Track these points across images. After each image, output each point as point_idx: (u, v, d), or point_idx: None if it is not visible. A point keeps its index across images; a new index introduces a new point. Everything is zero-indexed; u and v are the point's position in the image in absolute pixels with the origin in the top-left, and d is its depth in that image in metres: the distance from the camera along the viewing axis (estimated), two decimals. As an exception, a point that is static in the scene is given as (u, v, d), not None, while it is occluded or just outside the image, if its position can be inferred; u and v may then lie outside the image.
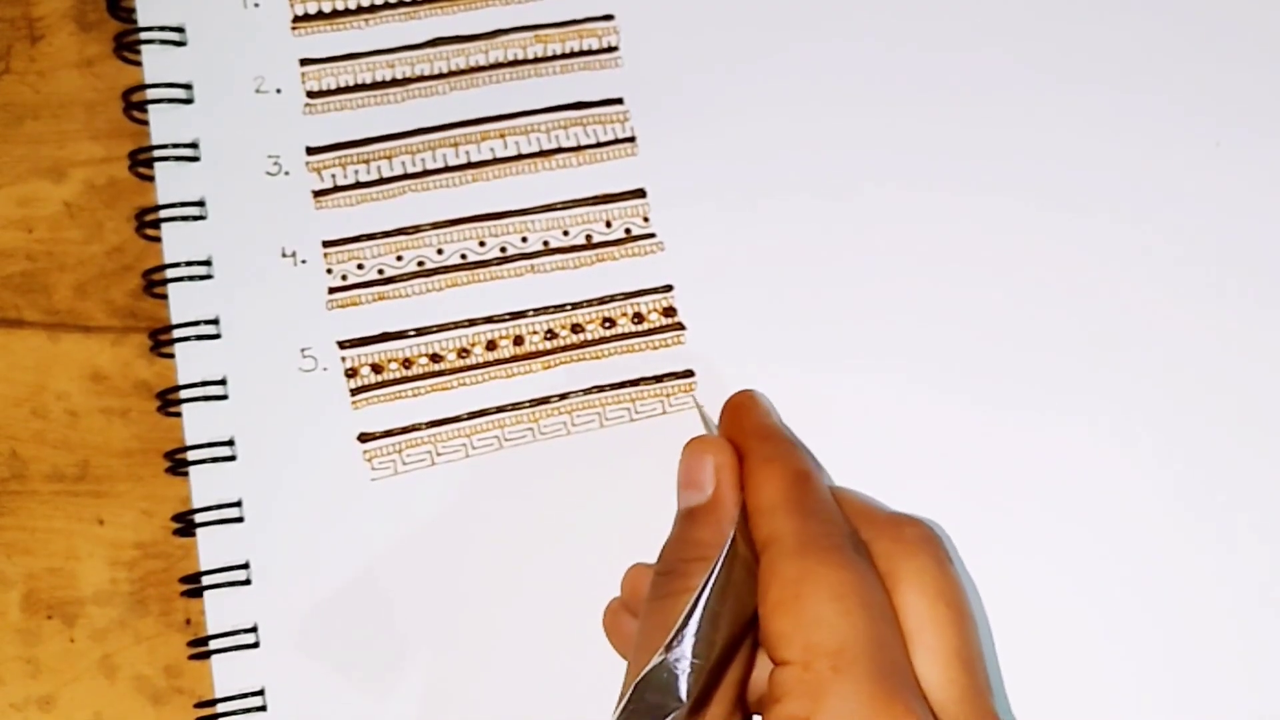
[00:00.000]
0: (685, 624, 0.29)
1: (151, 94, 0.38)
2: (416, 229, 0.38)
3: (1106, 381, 0.38)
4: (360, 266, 0.38)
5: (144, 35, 0.38)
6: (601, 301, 0.38)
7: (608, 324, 0.38)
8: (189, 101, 0.38)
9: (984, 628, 0.36)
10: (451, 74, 0.39)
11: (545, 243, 0.38)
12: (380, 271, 0.38)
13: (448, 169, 0.38)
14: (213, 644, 0.36)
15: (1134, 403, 0.38)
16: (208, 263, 0.38)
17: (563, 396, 0.37)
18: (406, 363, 0.37)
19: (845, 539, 0.31)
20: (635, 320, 0.38)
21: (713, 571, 0.30)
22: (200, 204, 0.38)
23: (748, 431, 0.34)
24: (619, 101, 0.39)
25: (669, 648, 0.29)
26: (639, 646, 0.31)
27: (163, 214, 0.38)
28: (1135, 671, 0.37)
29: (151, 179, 0.38)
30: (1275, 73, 0.40)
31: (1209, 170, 0.39)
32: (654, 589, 0.32)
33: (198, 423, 0.37)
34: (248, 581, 0.36)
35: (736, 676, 0.31)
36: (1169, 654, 0.37)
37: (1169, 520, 0.37)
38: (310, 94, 0.39)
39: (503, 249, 0.38)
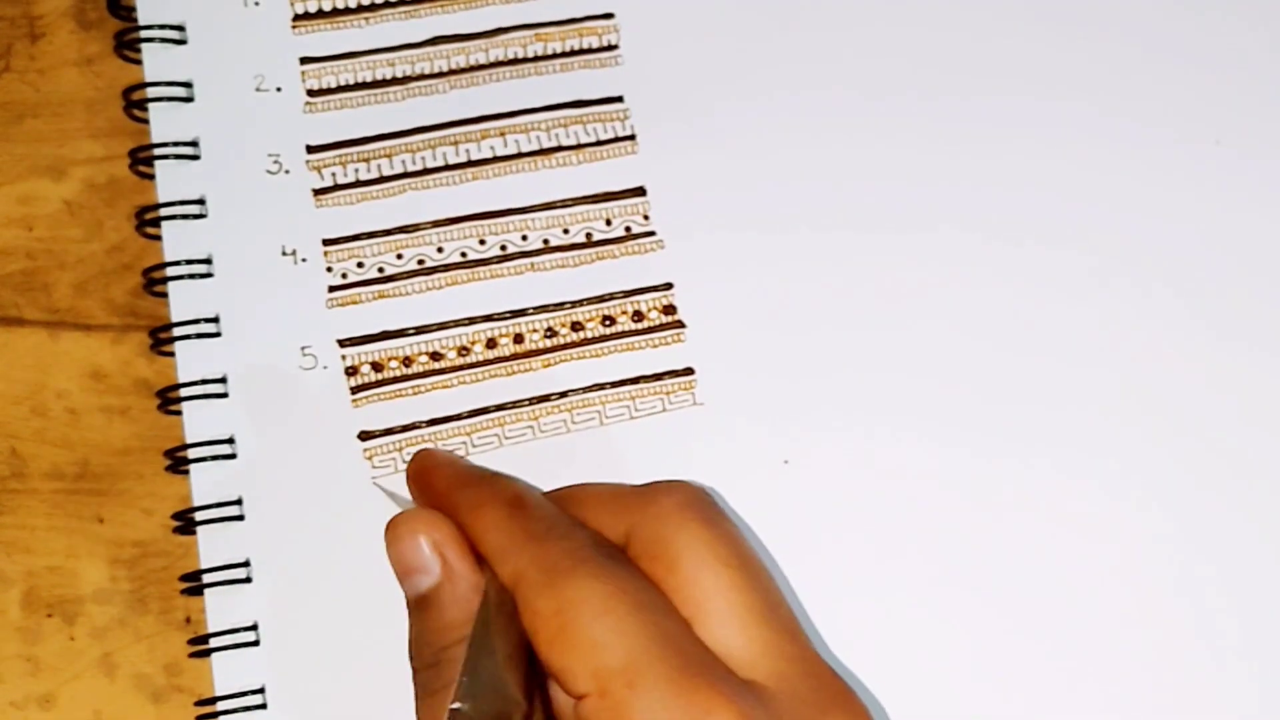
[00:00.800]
0: (462, 677, 0.29)
1: (152, 92, 0.38)
2: (416, 227, 0.38)
3: (1107, 381, 0.38)
4: (360, 265, 0.38)
5: (144, 34, 0.38)
6: (601, 299, 0.38)
7: (608, 322, 0.38)
8: (189, 100, 0.38)
9: (776, 571, 0.36)
10: (452, 72, 0.39)
11: (545, 241, 0.38)
12: (380, 270, 0.38)
13: (448, 167, 0.38)
14: (213, 642, 0.36)
15: (1134, 403, 0.38)
16: (208, 261, 0.38)
17: (563, 394, 0.37)
18: (407, 361, 0.37)
19: (587, 548, 0.30)
20: (635, 318, 0.38)
21: (476, 636, 0.29)
22: (200, 202, 0.38)
23: (440, 490, 0.33)
24: (619, 100, 0.39)
25: (454, 701, 0.28)
26: None
27: (163, 212, 0.38)
28: (1136, 683, 0.37)
29: (151, 177, 0.38)
30: (1276, 70, 0.40)
31: (1210, 169, 0.39)
32: (422, 689, 0.30)
33: (198, 421, 0.37)
34: (248, 580, 0.36)
35: None
36: (1172, 663, 0.37)
37: (1172, 527, 0.37)
38: (310, 92, 0.39)
39: (503, 247, 0.38)
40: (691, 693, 0.27)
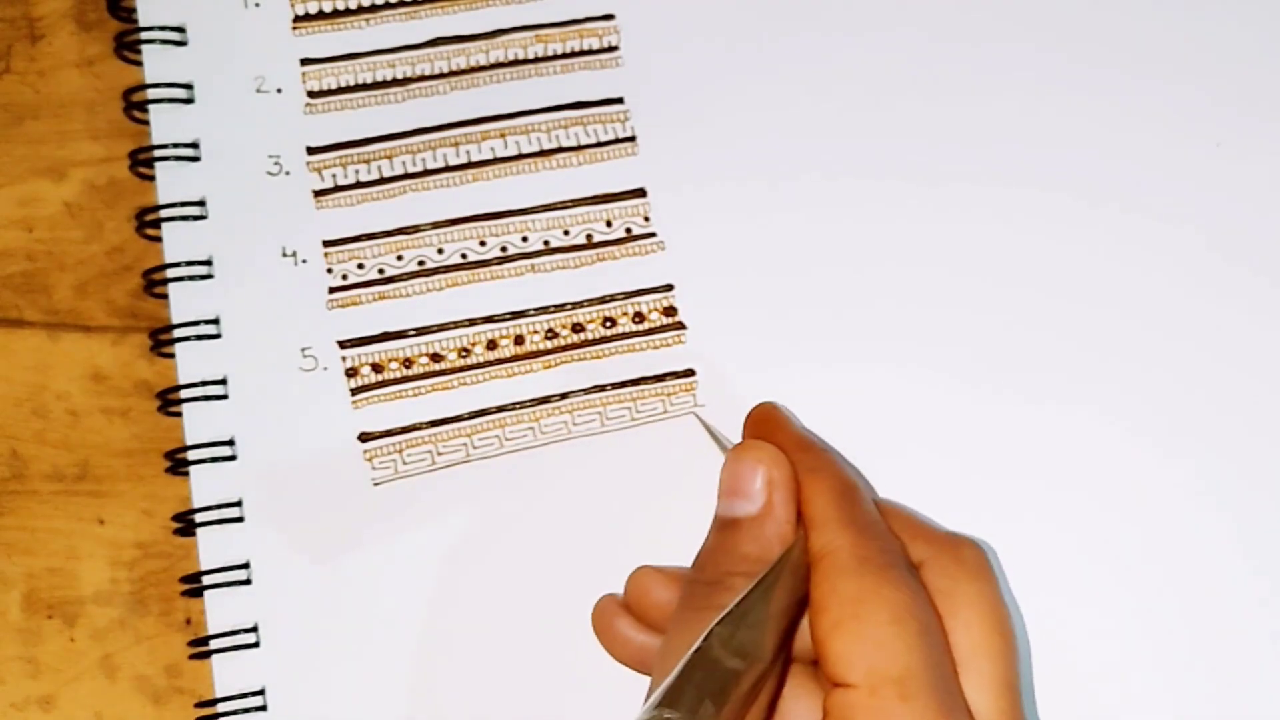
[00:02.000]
0: (737, 604, 0.29)
1: (152, 94, 0.38)
2: (417, 228, 0.38)
3: (1108, 381, 0.38)
4: (361, 266, 0.38)
5: (145, 35, 0.38)
6: (602, 301, 0.38)
7: (608, 323, 0.38)
8: (190, 101, 0.38)
9: (1024, 653, 0.36)
10: (452, 74, 0.39)
11: (546, 242, 0.38)
12: (381, 271, 0.38)
13: (448, 169, 0.38)
14: (213, 644, 0.36)
15: (1135, 403, 0.38)
16: (208, 262, 0.38)
17: (563, 396, 0.37)
18: (407, 362, 0.37)
19: (899, 557, 0.31)
20: (636, 320, 0.38)
21: (768, 571, 0.30)
22: (201, 204, 0.38)
23: (784, 442, 0.33)
24: (619, 101, 0.39)
25: (721, 621, 0.28)
26: (666, 654, 0.30)
27: (163, 214, 0.38)
28: (1155, 666, 0.37)
29: (151, 179, 0.38)
30: (1276, 71, 0.40)
31: (1210, 169, 0.39)
32: (690, 598, 0.31)
33: (198, 422, 0.37)
34: (248, 581, 0.36)
35: (772, 690, 0.30)
36: (1192, 650, 0.37)
37: (1185, 510, 0.37)
38: (311, 94, 0.39)
39: (503, 248, 0.38)
40: None
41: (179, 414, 0.37)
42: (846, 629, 0.29)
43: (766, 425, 0.34)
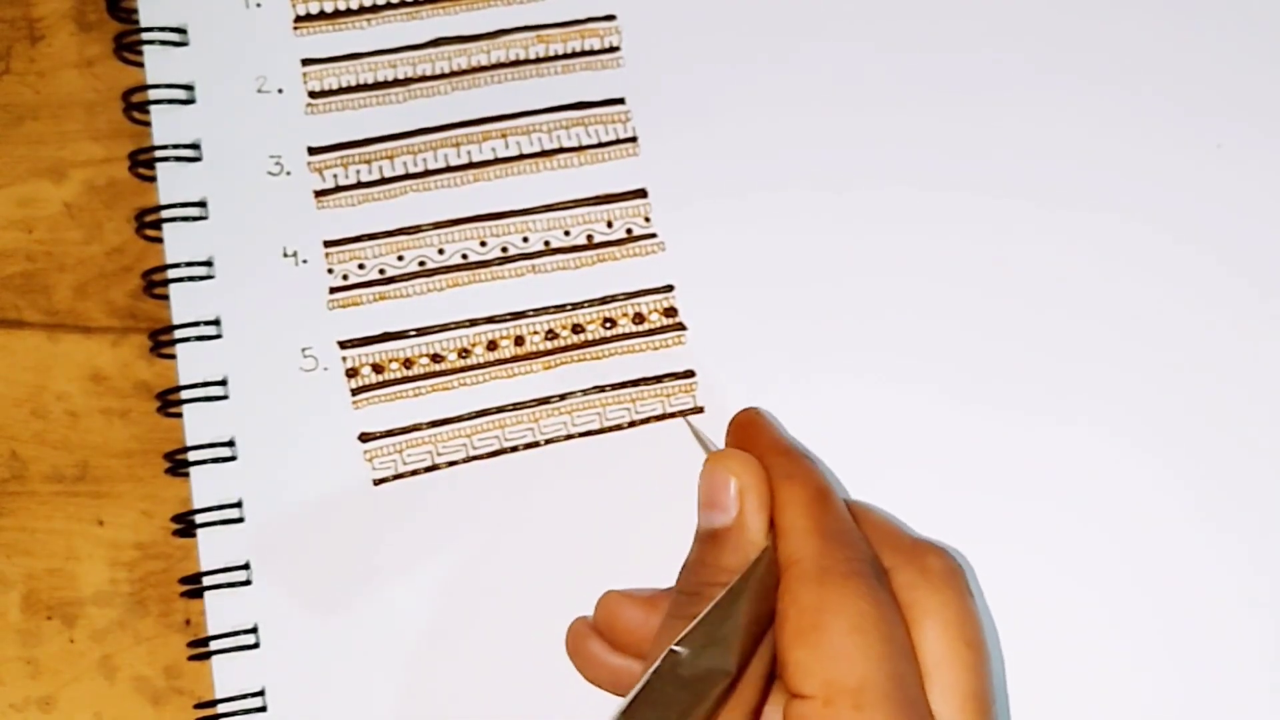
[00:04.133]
0: (698, 622, 0.29)
1: (153, 94, 0.38)
2: (418, 229, 0.38)
3: (1108, 382, 0.38)
4: (361, 266, 0.38)
5: (145, 35, 0.38)
6: (602, 301, 0.38)
7: (609, 324, 0.38)
8: (190, 102, 0.38)
9: (998, 665, 0.36)
10: (453, 74, 0.39)
11: (546, 243, 0.38)
12: (381, 271, 0.38)
13: (449, 169, 0.38)
14: (213, 644, 0.36)
15: (1136, 404, 0.38)
16: (209, 263, 0.38)
17: (563, 397, 0.37)
18: (407, 363, 0.37)
19: (866, 565, 0.30)
20: (636, 320, 0.38)
21: (733, 583, 0.30)
22: (202, 204, 0.38)
23: (762, 448, 0.33)
24: (620, 101, 0.39)
25: (682, 639, 0.29)
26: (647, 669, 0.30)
27: (164, 214, 0.38)
28: (1141, 675, 0.37)
29: (151, 179, 0.38)
30: (1277, 74, 0.40)
31: (1210, 172, 0.39)
32: (674, 608, 0.31)
33: (198, 423, 0.37)
34: (248, 582, 0.36)
35: (750, 701, 0.30)
36: (1176, 656, 0.37)
37: (1175, 520, 0.37)
38: (312, 94, 0.39)
39: (504, 249, 0.38)
40: None
41: (179, 415, 0.37)
42: (805, 639, 0.29)
43: (746, 431, 0.35)
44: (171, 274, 0.38)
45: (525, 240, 0.38)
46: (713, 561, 0.31)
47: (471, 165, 0.38)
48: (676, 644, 0.29)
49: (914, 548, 0.32)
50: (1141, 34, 0.40)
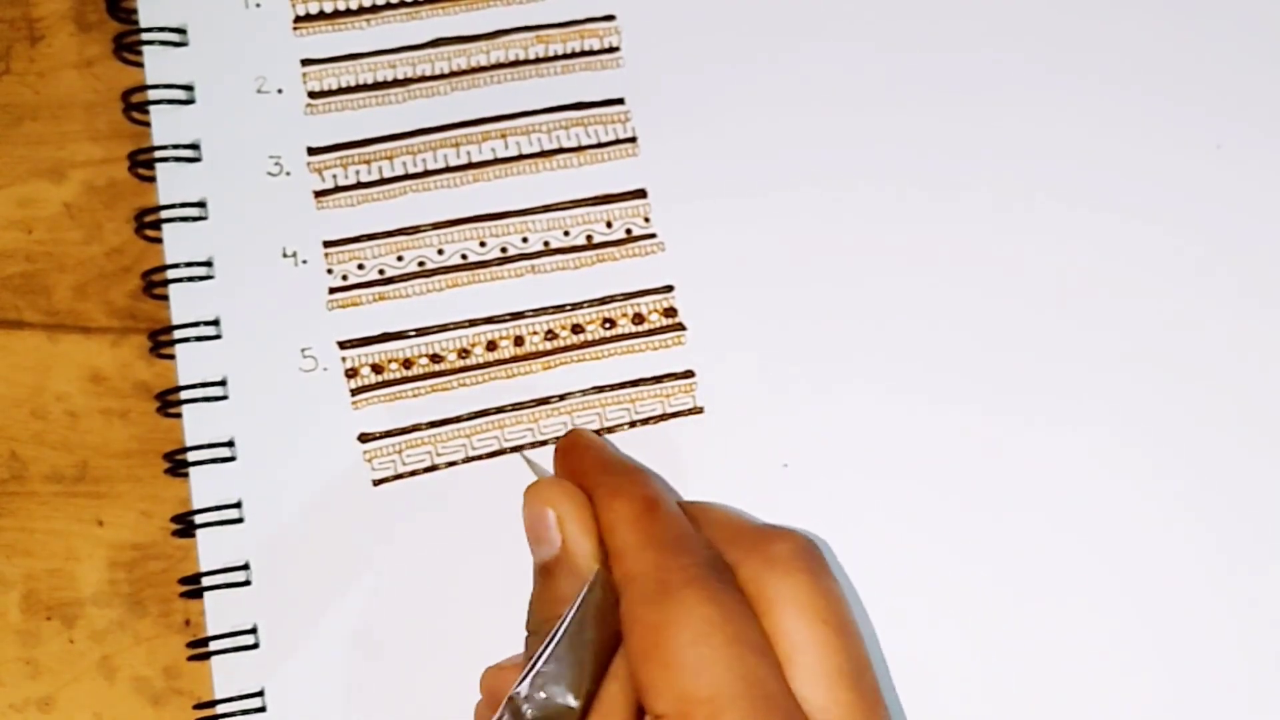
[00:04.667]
0: (534, 662, 0.29)
1: (153, 94, 0.38)
2: (417, 229, 0.38)
3: (1108, 383, 0.38)
4: (361, 267, 0.38)
5: (145, 35, 0.38)
6: (602, 302, 0.38)
7: (608, 324, 0.38)
8: (190, 102, 0.38)
9: (869, 636, 0.36)
10: (453, 74, 0.39)
11: (546, 243, 0.38)
12: (381, 272, 0.38)
13: (449, 169, 0.38)
14: (212, 645, 0.36)
15: (1136, 403, 0.38)
16: (208, 263, 0.38)
17: (563, 397, 0.37)
18: (407, 363, 0.37)
19: (704, 568, 0.30)
20: (636, 321, 0.38)
21: (566, 616, 0.29)
22: (201, 204, 0.38)
23: (586, 468, 0.33)
24: (620, 102, 0.39)
25: (520, 682, 0.28)
26: None
27: (164, 214, 0.38)
28: (1136, 680, 0.36)
29: (151, 180, 0.38)
30: (1276, 74, 0.40)
31: (1210, 172, 0.39)
32: (526, 651, 0.31)
33: (198, 423, 0.37)
34: (248, 582, 0.36)
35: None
36: (1168, 664, 0.36)
37: (1171, 526, 0.37)
38: (312, 94, 0.39)
39: (503, 249, 0.38)
40: None
41: (178, 415, 0.37)
42: (651, 657, 0.29)
43: (570, 455, 0.34)
44: (171, 274, 0.38)
45: (525, 240, 0.38)
46: (550, 595, 0.31)
47: (471, 165, 0.38)
48: (516, 686, 0.28)
49: (757, 536, 0.31)
50: (1141, 34, 0.40)
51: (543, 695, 0.29)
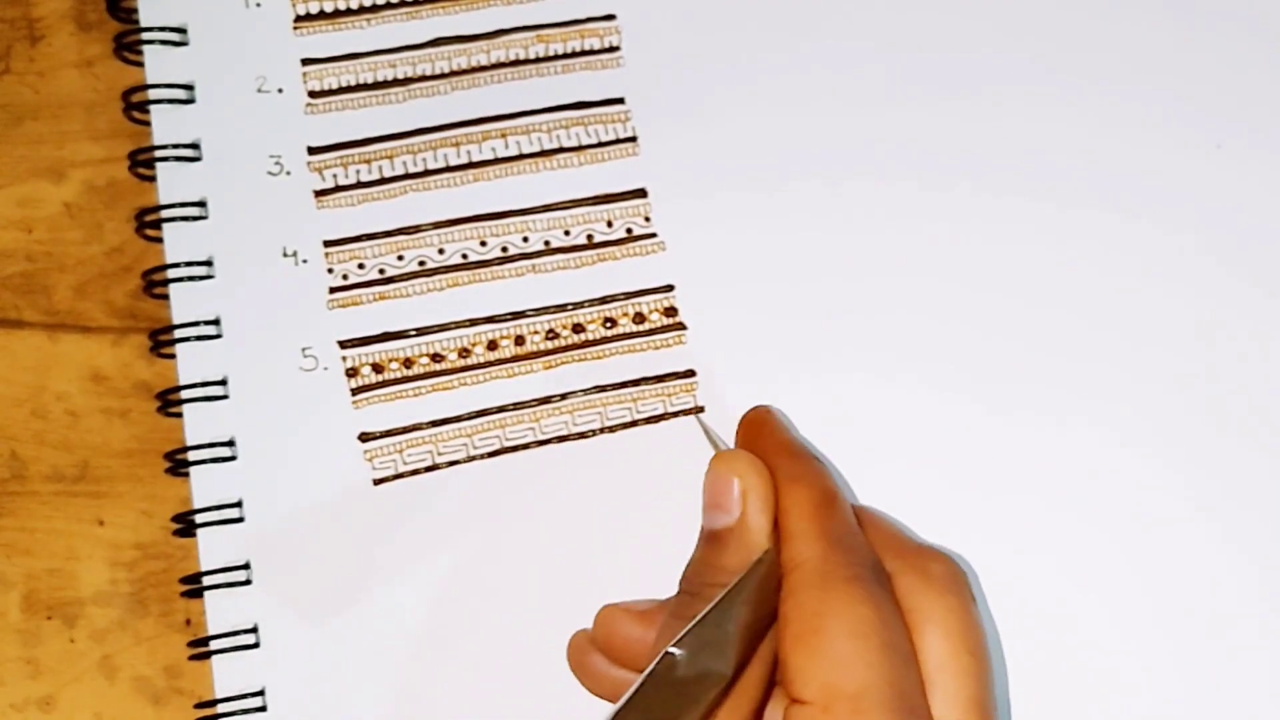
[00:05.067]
0: (694, 623, 0.29)
1: (153, 94, 0.38)
2: (417, 229, 0.38)
3: (1109, 381, 0.38)
4: (361, 266, 0.38)
5: (145, 35, 0.38)
6: (603, 301, 0.38)
7: (609, 324, 0.38)
8: (190, 101, 0.38)
9: (1000, 672, 0.36)
10: (453, 74, 0.39)
11: (546, 242, 0.38)
12: (381, 271, 0.38)
13: (449, 169, 0.38)
14: (213, 644, 0.36)
15: (1137, 403, 0.38)
16: (209, 263, 0.38)
17: (564, 396, 0.37)
18: (407, 362, 0.37)
19: (869, 570, 0.30)
20: (636, 320, 0.38)
21: (733, 585, 0.29)
22: (201, 204, 0.38)
23: (770, 448, 0.33)
24: (620, 101, 0.39)
25: (679, 640, 0.28)
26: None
27: (164, 214, 0.38)
28: (1144, 677, 0.36)
29: (151, 179, 0.38)
30: (1277, 74, 0.40)
31: (1210, 172, 0.39)
32: (675, 608, 0.31)
33: (198, 423, 0.37)
34: (248, 582, 0.36)
35: (748, 704, 0.30)
36: (1179, 659, 0.36)
37: (1178, 522, 0.37)
38: (312, 94, 0.39)
39: (504, 249, 0.38)
40: None
41: (179, 414, 0.37)
42: (805, 644, 0.29)
43: (755, 430, 0.35)
44: (171, 274, 0.38)
45: (525, 240, 0.38)
46: (715, 562, 0.31)
47: (471, 165, 0.38)
48: (673, 645, 0.29)
49: (918, 553, 0.32)
50: (1142, 34, 0.40)
51: (699, 657, 0.29)
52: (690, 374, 0.38)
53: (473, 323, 0.38)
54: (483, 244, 0.38)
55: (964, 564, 0.32)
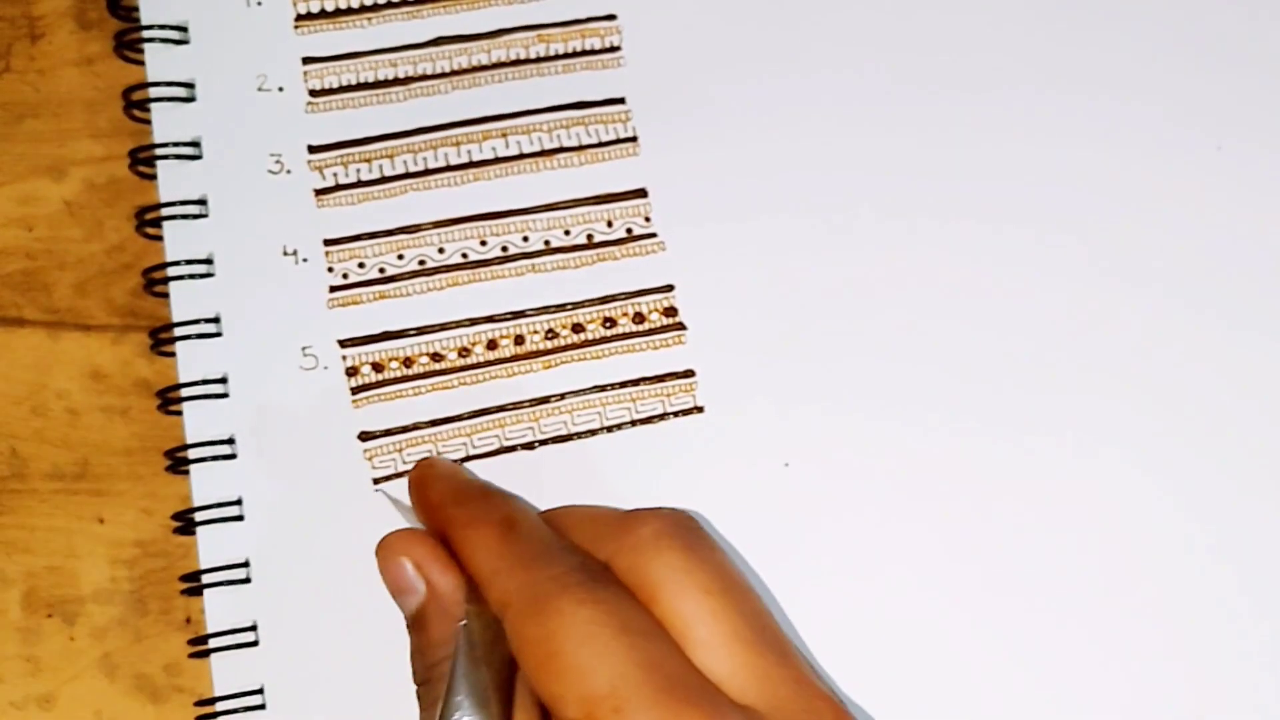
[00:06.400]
0: (440, 710, 0.29)
1: (154, 92, 0.38)
2: (418, 228, 0.38)
3: (1107, 380, 0.38)
4: (361, 265, 0.38)
5: (146, 33, 0.38)
6: (602, 301, 0.38)
7: (609, 324, 0.38)
8: (191, 100, 0.38)
9: (764, 590, 0.36)
10: (453, 73, 0.39)
11: (546, 242, 0.38)
12: (381, 270, 0.38)
13: (449, 168, 0.38)
14: (212, 642, 0.36)
15: (1138, 408, 0.38)
16: (209, 261, 0.38)
17: (563, 396, 0.37)
18: (407, 361, 0.37)
19: (576, 572, 0.29)
20: (636, 320, 0.38)
21: (456, 657, 0.29)
22: (202, 202, 0.38)
23: (436, 503, 0.33)
24: (621, 101, 0.39)
25: None
26: None
27: (164, 212, 0.38)
28: (1144, 677, 0.37)
29: (151, 177, 0.38)
30: (1277, 74, 0.40)
31: (1211, 173, 0.39)
32: (420, 702, 0.31)
33: (198, 421, 0.37)
34: (247, 580, 0.36)
35: None
36: (1169, 668, 0.37)
37: (1179, 524, 0.37)
38: (312, 92, 0.39)
39: (504, 248, 0.38)
40: (678, 716, 0.27)
41: (179, 413, 0.37)
42: (547, 671, 0.28)
43: (421, 491, 0.34)
44: (171, 272, 0.38)
45: (525, 239, 0.38)
46: (429, 643, 0.31)
47: (471, 164, 0.38)
48: None
49: (620, 525, 0.31)
50: (1141, 36, 0.40)
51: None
52: (690, 374, 0.38)
53: (472, 322, 0.38)
54: (483, 243, 0.38)
55: (679, 512, 0.31)
